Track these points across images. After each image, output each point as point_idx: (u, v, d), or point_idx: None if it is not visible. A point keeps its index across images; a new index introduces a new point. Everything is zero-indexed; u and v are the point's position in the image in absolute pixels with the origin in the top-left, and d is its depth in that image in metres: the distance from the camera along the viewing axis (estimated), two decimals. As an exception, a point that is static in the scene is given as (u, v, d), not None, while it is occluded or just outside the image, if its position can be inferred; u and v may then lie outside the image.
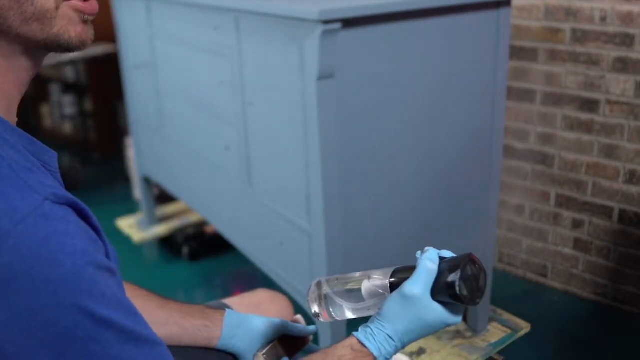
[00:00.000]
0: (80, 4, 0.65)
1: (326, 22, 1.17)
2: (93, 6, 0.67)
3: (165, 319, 0.97)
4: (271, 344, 1.00)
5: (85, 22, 0.66)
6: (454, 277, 0.70)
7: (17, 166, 0.59)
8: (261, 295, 1.18)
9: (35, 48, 0.65)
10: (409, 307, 0.74)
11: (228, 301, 1.15)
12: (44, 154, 0.68)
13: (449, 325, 0.75)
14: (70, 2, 0.64)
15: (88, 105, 3.62)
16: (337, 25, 1.19)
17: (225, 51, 1.58)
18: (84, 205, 0.62)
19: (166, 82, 2.05)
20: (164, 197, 2.81)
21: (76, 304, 0.56)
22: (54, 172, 0.70)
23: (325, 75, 1.23)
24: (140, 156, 2.48)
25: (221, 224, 1.93)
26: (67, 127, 3.80)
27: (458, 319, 0.76)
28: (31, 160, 0.63)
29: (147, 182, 2.56)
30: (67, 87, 3.70)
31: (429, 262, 0.74)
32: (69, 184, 0.73)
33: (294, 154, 1.38)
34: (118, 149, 3.43)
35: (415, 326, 0.75)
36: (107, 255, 0.64)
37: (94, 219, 0.64)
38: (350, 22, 1.22)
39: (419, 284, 0.73)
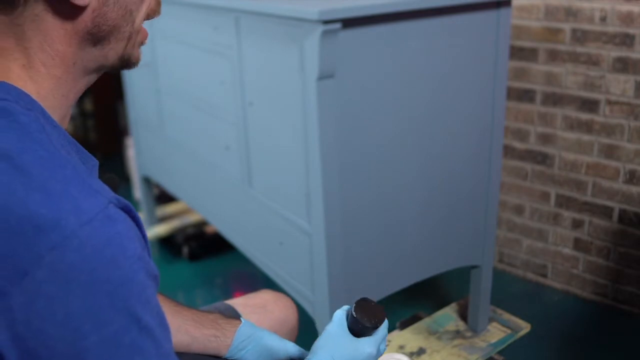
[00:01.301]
0: (146, 31, 0.74)
1: (326, 22, 1.17)
2: (147, 33, 0.75)
3: (177, 327, 0.97)
4: None
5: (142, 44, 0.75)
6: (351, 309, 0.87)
7: (80, 169, 0.60)
8: (265, 296, 1.19)
9: (112, 64, 0.71)
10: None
11: (232, 302, 1.15)
12: (88, 162, 0.69)
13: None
14: (143, 29, 0.72)
15: (88, 105, 3.62)
16: (337, 25, 1.19)
17: (225, 51, 1.58)
18: (136, 212, 0.63)
19: (166, 82, 2.05)
20: (164, 197, 2.81)
21: (128, 308, 0.56)
22: None
23: (325, 75, 1.23)
24: (140, 156, 2.48)
25: (221, 224, 1.93)
26: (67, 127, 3.79)
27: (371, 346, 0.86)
28: (83, 168, 0.64)
29: (147, 182, 2.56)
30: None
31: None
32: None
33: (294, 154, 1.38)
34: (118, 149, 3.43)
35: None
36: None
37: (143, 226, 0.65)
38: (350, 22, 1.22)
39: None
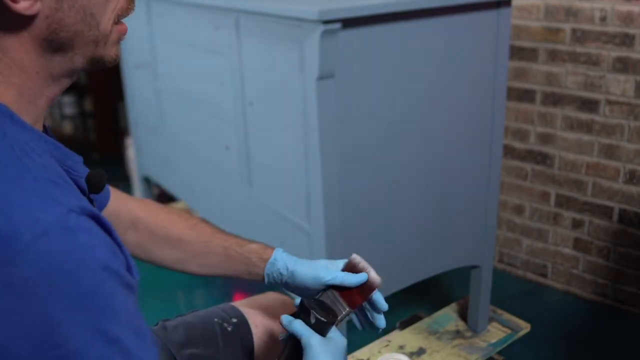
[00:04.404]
0: (124, 28, 0.70)
1: (326, 22, 1.17)
2: (126, 28, 0.71)
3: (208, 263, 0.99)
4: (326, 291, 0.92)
5: (119, 41, 0.71)
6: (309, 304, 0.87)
7: (42, 177, 0.59)
8: (271, 298, 1.17)
9: (80, 69, 0.68)
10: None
11: (237, 303, 1.14)
12: (69, 159, 0.68)
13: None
14: (117, 27, 0.69)
15: (88, 105, 3.62)
16: (337, 25, 1.19)
17: (225, 51, 1.58)
18: (107, 220, 0.61)
19: (166, 82, 2.05)
20: (164, 197, 2.81)
21: (91, 321, 0.55)
22: (79, 176, 0.70)
23: (325, 75, 1.23)
24: (140, 156, 2.48)
25: (221, 224, 1.92)
26: (67, 127, 3.80)
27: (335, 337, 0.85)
28: (56, 172, 0.62)
29: (147, 182, 2.56)
30: (67, 87, 3.69)
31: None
32: (92, 187, 0.73)
33: (294, 154, 1.38)
34: (118, 149, 3.42)
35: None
36: (130, 271, 0.63)
37: (116, 233, 0.63)
38: (350, 22, 1.22)
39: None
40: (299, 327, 0.85)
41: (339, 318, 0.88)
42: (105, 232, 0.60)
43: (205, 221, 1.06)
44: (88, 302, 0.55)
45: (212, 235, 1.01)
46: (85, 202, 0.60)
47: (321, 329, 0.85)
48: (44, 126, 0.76)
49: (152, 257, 1.02)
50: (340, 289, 0.91)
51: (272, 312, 1.12)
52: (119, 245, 0.62)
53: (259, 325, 1.10)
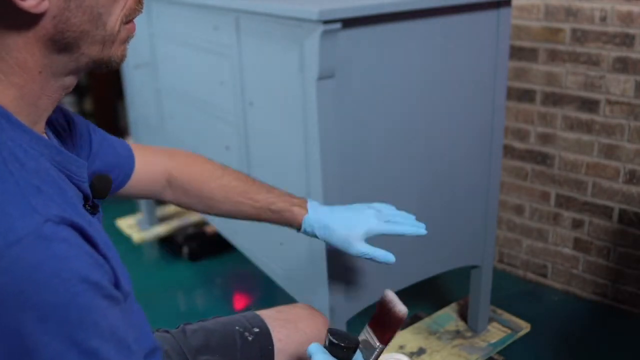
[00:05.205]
0: (133, 27, 0.69)
1: (326, 22, 1.17)
2: (134, 27, 0.70)
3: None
4: (363, 330, 0.97)
5: (128, 40, 0.70)
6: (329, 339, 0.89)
7: (24, 183, 0.57)
8: (299, 312, 1.13)
9: (85, 68, 0.67)
10: None
11: (261, 313, 1.11)
12: (71, 164, 0.67)
13: None
14: (126, 26, 0.68)
15: (88, 105, 3.62)
16: (337, 25, 1.19)
17: (225, 51, 1.58)
18: (92, 230, 0.60)
19: (166, 82, 2.05)
20: (164, 197, 2.81)
21: (64, 333, 0.54)
22: (81, 181, 0.69)
23: (325, 75, 1.23)
24: (140, 156, 2.48)
25: (221, 224, 1.93)
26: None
27: None
28: (47, 178, 0.61)
29: (147, 182, 2.55)
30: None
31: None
32: (96, 192, 0.73)
33: (294, 154, 1.38)
34: (118, 149, 3.42)
35: None
36: (117, 282, 0.62)
37: (103, 244, 0.61)
38: (350, 22, 1.22)
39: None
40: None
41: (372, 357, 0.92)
42: (88, 243, 0.59)
43: (236, 175, 1.06)
44: (62, 313, 0.53)
45: (243, 195, 1.04)
46: (69, 212, 0.58)
47: None
48: (54, 127, 0.76)
49: (190, 209, 1.07)
50: (373, 323, 0.95)
51: (299, 327, 1.08)
52: (104, 256, 0.61)
53: (283, 339, 1.06)
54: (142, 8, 0.70)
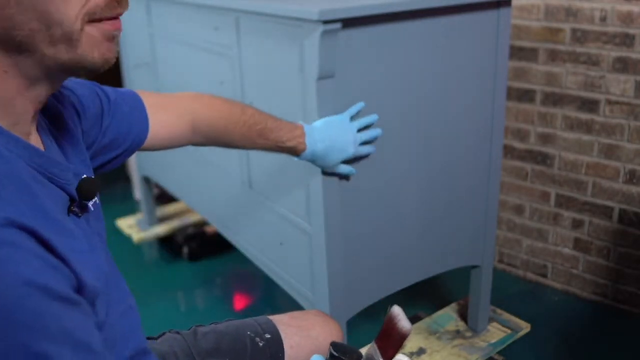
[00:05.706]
0: (105, 26, 0.64)
1: (326, 22, 1.17)
2: (117, 25, 0.66)
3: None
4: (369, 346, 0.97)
5: (110, 39, 0.65)
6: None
7: None
8: (313, 319, 1.12)
9: (59, 71, 0.65)
10: None
11: (274, 318, 1.10)
12: (54, 167, 0.66)
13: None
14: (94, 24, 0.63)
15: (88, 105, 3.62)
16: (337, 25, 1.19)
17: (225, 51, 1.58)
18: (50, 233, 0.58)
19: (166, 82, 2.05)
20: (164, 197, 2.81)
21: (11, 337, 0.52)
22: (66, 183, 0.68)
23: (325, 75, 1.23)
24: (140, 156, 2.48)
25: (221, 224, 1.93)
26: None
27: None
28: (14, 181, 0.59)
29: (147, 182, 2.56)
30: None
31: None
32: (83, 194, 0.72)
33: (294, 154, 1.38)
34: (118, 149, 3.42)
35: None
36: (81, 284, 0.61)
37: (66, 247, 0.60)
38: (350, 22, 1.22)
39: None
40: None
41: None
42: (43, 246, 0.57)
43: (254, 119, 1.16)
44: (5, 317, 0.52)
45: (259, 136, 1.17)
46: (27, 215, 0.57)
47: None
48: (49, 129, 0.75)
49: (211, 145, 1.18)
50: (379, 339, 0.93)
51: (311, 335, 1.08)
52: (62, 259, 0.59)
53: (294, 346, 1.05)
54: (122, 4, 0.66)
